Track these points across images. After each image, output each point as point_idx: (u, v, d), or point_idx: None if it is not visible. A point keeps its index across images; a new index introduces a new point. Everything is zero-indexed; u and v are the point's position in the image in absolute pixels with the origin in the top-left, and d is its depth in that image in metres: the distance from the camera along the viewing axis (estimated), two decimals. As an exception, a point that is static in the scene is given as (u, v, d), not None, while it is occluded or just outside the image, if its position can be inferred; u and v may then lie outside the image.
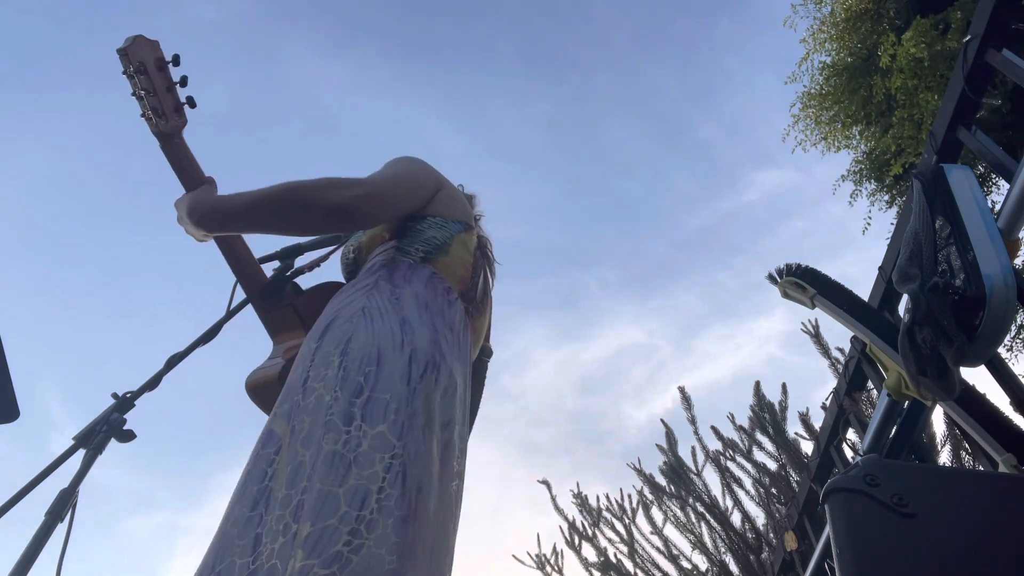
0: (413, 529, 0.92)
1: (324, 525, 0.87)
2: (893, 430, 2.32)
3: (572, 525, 5.76)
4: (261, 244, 1.54)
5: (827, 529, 1.46)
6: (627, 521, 5.60)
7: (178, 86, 1.33)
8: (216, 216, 1.30)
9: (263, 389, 1.39)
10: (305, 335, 1.40)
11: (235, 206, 1.29)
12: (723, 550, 5.15)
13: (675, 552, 5.33)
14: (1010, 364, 2.46)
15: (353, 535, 0.87)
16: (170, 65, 1.32)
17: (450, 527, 1.05)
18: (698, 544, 5.22)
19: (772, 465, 5.19)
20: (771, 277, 2.22)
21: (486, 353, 1.60)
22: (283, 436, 1.03)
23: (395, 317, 1.18)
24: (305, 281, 1.57)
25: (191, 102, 1.35)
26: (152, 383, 1.27)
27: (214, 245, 1.47)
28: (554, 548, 5.79)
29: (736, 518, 5.22)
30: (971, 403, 1.76)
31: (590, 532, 5.69)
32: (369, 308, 1.19)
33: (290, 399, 1.09)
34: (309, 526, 0.87)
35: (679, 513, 5.37)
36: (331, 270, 1.70)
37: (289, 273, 1.53)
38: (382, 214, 1.35)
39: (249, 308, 1.51)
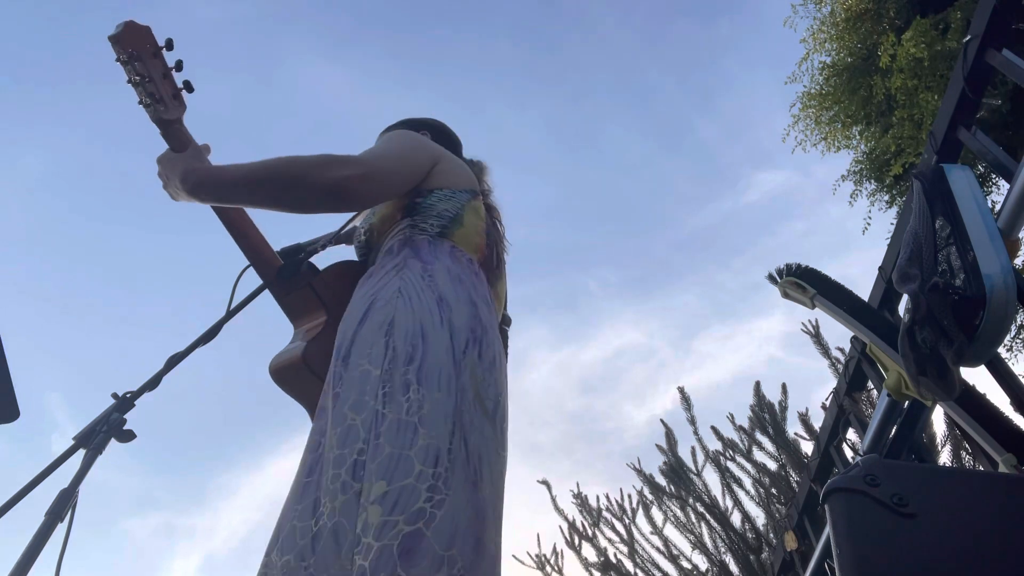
0: (480, 493, 0.95)
1: (402, 484, 0.89)
2: (893, 430, 2.32)
3: (572, 525, 5.75)
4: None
5: (827, 529, 1.46)
6: (627, 521, 5.60)
7: (174, 71, 1.29)
8: (209, 186, 1.26)
9: (287, 372, 1.38)
10: (325, 315, 1.41)
11: (230, 178, 1.24)
12: (723, 550, 5.15)
13: (675, 552, 5.33)
14: (1010, 364, 2.46)
15: (433, 491, 0.89)
16: (164, 50, 1.27)
17: (502, 497, 1.08)
18: (698, 544, 5.21)
19: (772, 465, 5.19)
20: (771, 277, 2.22)
21: (505, 322, 1.59)
22: (323, 405, 1.06)
23: (431, 295, 1.18)
24: (317, 261, 1.55)
25: (188, 86, 1.30)
26: (152, 383, 1.27)
27: (217, 227, 1.45)
28: (554, 548, 5.79)
29: (736, 518, 5.23)
30: (971, 403, 1.76)
31: (590, 532, 5.69)
32: (405, 288, 1.19)
33: (332, 372, 1.11)
34: (385, 485, 0.88)
35: (679, 513, 5.37)
36: (346, 249, 1.68)
37: (303, 254, 1.50)
38: (379, 196, 1.32)
39: (247, 309, 1.50)
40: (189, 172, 1.27)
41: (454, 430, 0.98)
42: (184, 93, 1.31)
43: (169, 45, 1.27)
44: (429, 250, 1.32)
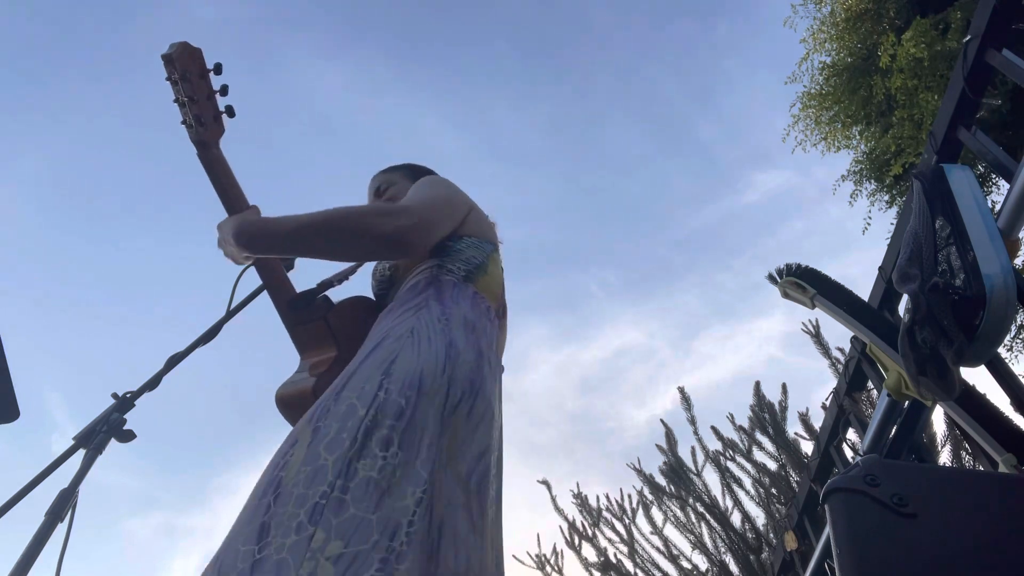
0: (435, 566, 0.93)
1: (357, 550, 0.88)
2: (893, 430, 2.32)
3: (572, 525, 5.76)
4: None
5: (827, 529, 1.46)
6: (627, 521, 5.60)
7: (218, 95, 1.31)
8: (263, 238, 1.28)
9: (295, 403, 1.38)
10: (336, 350, 1.41)
11: (284, 230, 1.27)
12: (723, 550, 5.15)
13: (675, 552, 5.34)
14: (1010, 364, 2.46)
15: (384, 563, 0.88)
16: (211, 73, 1.30)
17: (490, 551, 1.06)
18: (698, 544, 5.22)
19: (772, 465, 5.19)
20: (771, 277, 2.22)
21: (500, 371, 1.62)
22: (300, 433, 1.04)
23: (443, 340, 1.18)
24: (332, 295, 1.54)
25: (230, 111, 1.33)
26: (152, 383, 1.27)
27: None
28: (554, 548, 5.79)
29: (736, 518, 5.23)
30: (971, 403, 1.76)
31: (590, 532, 5.69)
32: (418, 329, 1.20)
33: (320, 402, 1.09)
34: (341, 546, 0.87)
35: (679, 513, 5.37)
36: (360, 283, 1.68)
37: (318, 285, 1.50)
38: (429, 244, 1.36)
39: (247, 309, 1.50)
40: (242, 227, 1.28)
41: (421, 499, 0.96)
42: (225, 117, 1.33)
43: (218, 69, 1.30)
44: (452, 293, 1.34)
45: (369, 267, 1.62)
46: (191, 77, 1.26)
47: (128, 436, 1.16)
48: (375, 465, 0.96)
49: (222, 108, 1.32)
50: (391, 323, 1.25)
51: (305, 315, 1.44)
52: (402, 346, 1.15)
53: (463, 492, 1.05)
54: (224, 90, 1.32)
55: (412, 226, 1.28)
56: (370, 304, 1.55)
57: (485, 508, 1.09)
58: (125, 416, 1.17)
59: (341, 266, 1.60)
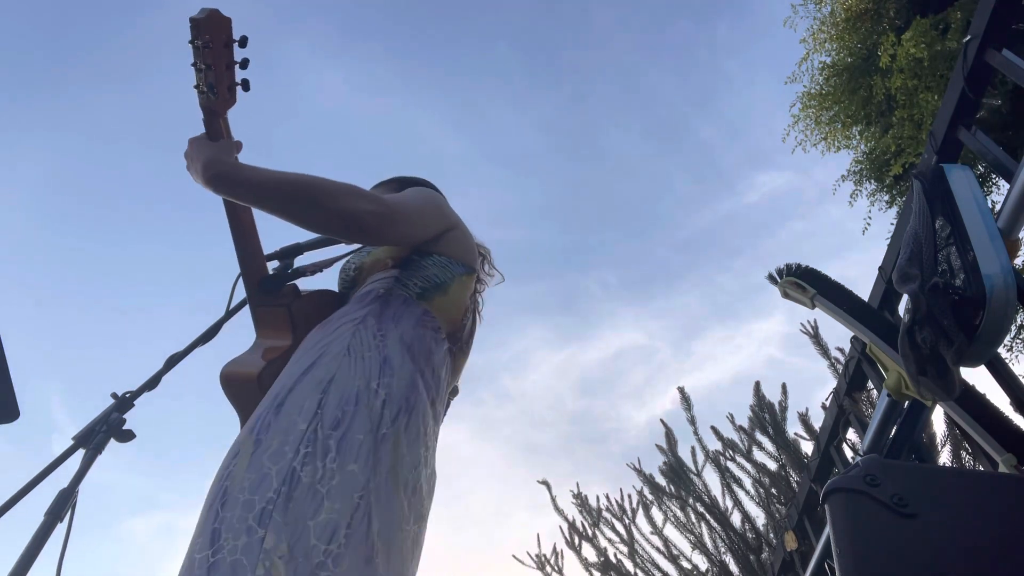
0: (373, 568, 0.97)
1: (302, 551, 0.92)
2: (893, 430, 2.32)
3: (572, 525, 5.76)
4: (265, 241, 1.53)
5: (827, 529, 1.46)
6: (627, 521, 5.61)
7: (238, 66, 1.31)
8: (228, 181, 1.28)
9: (237, 384, 1.38)
10: (291, 340, 1.40)
11: (251, 179, 1.27)
12: (723, 550, 5.15)
13: (675, 552, 5.34)
14: (1010, 364, 2.46)
15: (320, 568, 0.92)
16: (236, 44, 1.30)
17: (410, 567, 1.10)
18: (698, 544, 5.22)
19: (772, 465, 5.19)
20: (771, 277, 2.22)
21: (453, 392, 1.61)
22: (243, 444, 1.07)
23: (377, 357, 1.21)
24: (301, 284, 1.55)
25: (245, 85, 1.33)
26: (152, 383, 1.27)
27: (216, 228, 1.44)
28: (554, 548, 5.80)
29: (736, 518, 5.23)
30: (971, 403, 1.76)
31: (590, 532, 5.69)
32: (354, 346, 1.22)
33: (259, 415, 1.12)
34: (287, 549, 0.92)
35: (679, 513, 5.37)
36: (332, 275, 1.68)
37: (291, 271, 1.49)
38: (387, 238, 1.36)
39: (247, 309, 1.50)
40: (212, 162, 1.28)
41: (359, 505, 1.00)
42: (239, 89, 1.33)
43: (243, 42, 1.30)
44: (397, 309, 1.34)
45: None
46: (214, 44, 1.26)
47: (128, 436, 1.16)
48: (316, 473, 1.00)
49: (238, 80, 1.32)
50: (327, 337, 1.26)
51: (271, 298, 1.44)
52: (339, 365, 1.17)
53: (401, 502, 1.08)
54: (245, 63, 1.31)
55: (373, 212, 1.28)
56: (335, 299, 1.54)
57: (421, 519, 1.14)
58: (125, 416, 1.17)
59: (320, 255, 1.60)
